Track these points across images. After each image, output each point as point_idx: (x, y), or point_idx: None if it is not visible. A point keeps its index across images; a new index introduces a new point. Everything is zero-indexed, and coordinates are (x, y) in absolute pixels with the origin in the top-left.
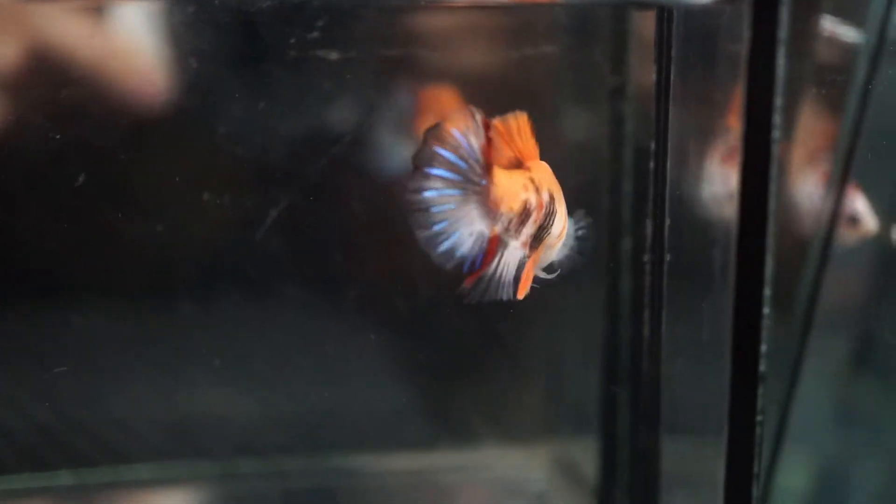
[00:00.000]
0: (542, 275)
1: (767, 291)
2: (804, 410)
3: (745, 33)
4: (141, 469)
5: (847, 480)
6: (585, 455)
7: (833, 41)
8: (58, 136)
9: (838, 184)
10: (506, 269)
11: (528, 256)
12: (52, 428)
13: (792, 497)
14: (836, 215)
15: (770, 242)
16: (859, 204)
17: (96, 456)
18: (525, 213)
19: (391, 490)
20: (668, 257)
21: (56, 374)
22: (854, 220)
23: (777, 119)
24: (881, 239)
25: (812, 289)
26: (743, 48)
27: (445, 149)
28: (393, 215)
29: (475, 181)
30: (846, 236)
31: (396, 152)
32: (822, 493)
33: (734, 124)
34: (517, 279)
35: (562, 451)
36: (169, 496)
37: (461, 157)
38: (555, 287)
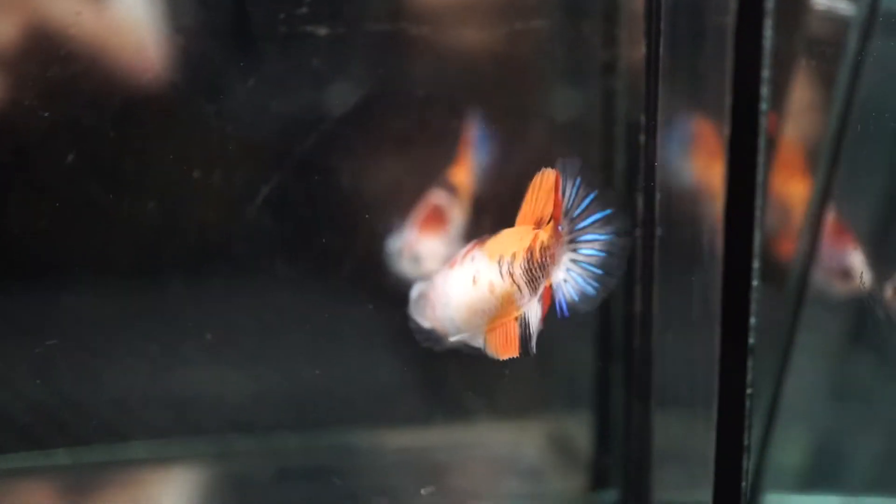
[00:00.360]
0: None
1: (756, 264)
2: (798, 385)
3: (732, 4)
4: (136, 447)
5: (842, 455)
6: (578, 430)
7: (822, 13)
8: (47, 114)
9: (829, 155)
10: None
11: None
12: (47, 407)
13: (787, 472)
14: (829, 189)
15: (759, 215)
16: (854, 259)
17: (91, 434)
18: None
19: (385, 467)
20: (658, 232)
21: (49, 352)
22: (847, 275)
23: (765, 91)
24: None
25: (805, 262)
26: (730, 19)
27: None
28: (383, 193)
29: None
30: (837, 289)
31: (387, 129)
32: (816, 468)
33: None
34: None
35: (555, 426)
36: (164, 474)
37: None
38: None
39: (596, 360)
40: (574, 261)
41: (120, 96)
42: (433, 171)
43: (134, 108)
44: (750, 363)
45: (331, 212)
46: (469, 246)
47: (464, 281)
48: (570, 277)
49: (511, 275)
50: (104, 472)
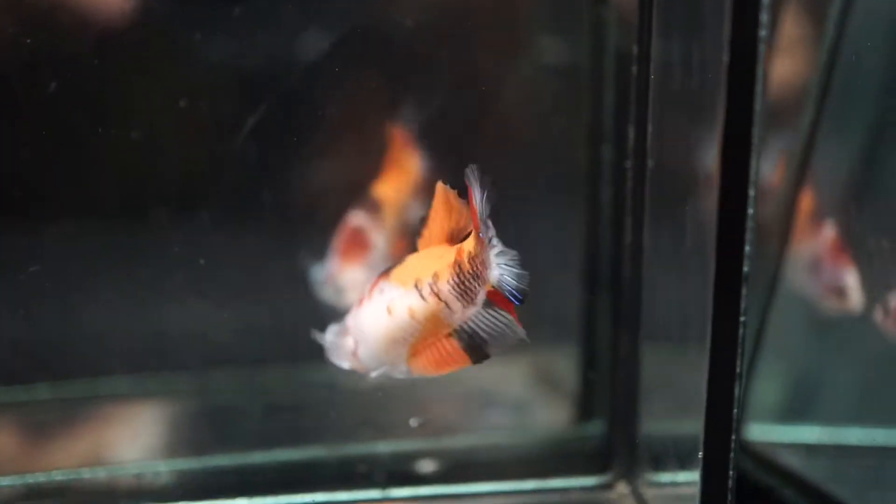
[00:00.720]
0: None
1: (752, 192)
2: (780, 322)
3: None
4: (119, 382)
5: (821, 391)
6: (564, 363)
7: None
8: (28, 41)
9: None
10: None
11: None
12: (28, 341)
13: (767, 408)
14: (818, 122)
15: (756, 142)
16: (850, 278)
17: (73, 369)
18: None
19: (368, 403)
20: (650, 163)
21: (31, 285)
22: (842, 293)
23: (764, 17)
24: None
25: (790, 200)
26: None
27: None
28: (370, 122)
29: None
30: (830, 306)
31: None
32: (796, 403)
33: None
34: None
35: (540, 360)
36: (147, 409)
37: None
38: (536, 196)
39: (582, 292)
40: (498, 254)
41: (103, 24)
42: None
43: (118, 37)
44: (744, 291)
45: (317, 143)
46: (373, 281)
47: (378, 314)
48: (503, 270)
49: (436, 294)
50: (87, 406)
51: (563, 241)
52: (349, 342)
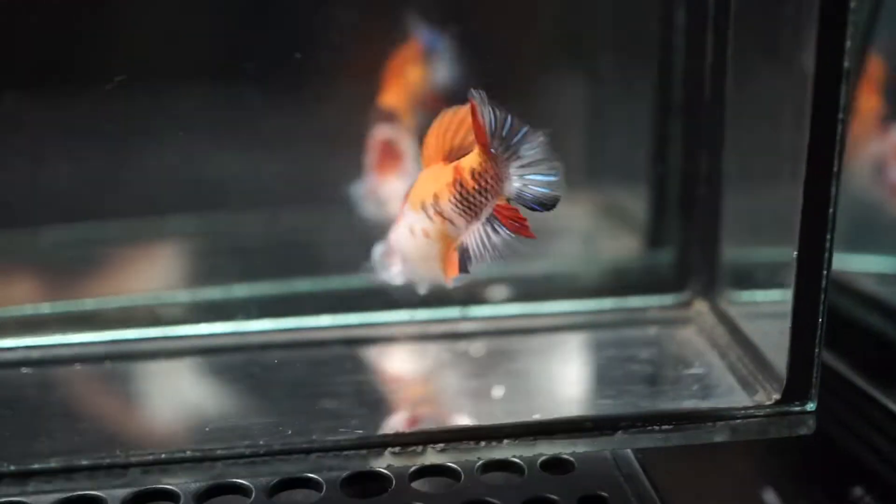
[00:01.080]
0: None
1: None
2: None
3: None
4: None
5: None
6: (635, 194)
7: None
8: None
9: None
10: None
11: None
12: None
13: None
14: None
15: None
16: None
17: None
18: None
19: None
20: None
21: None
22: None
23: None
24: None
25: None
26: None
27: None
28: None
29: None
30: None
31: None
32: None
33: None
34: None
35: (608, 196)
36: (174, 247)
37: None
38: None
39: (656, 119)
40: (523, 167)
41: None
42: None
43: None
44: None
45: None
46: (402, 201)
47: (406, 236)
48: (527, 182)
49: (440, 213)
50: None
51: (636, 68)
52: (394, 261)
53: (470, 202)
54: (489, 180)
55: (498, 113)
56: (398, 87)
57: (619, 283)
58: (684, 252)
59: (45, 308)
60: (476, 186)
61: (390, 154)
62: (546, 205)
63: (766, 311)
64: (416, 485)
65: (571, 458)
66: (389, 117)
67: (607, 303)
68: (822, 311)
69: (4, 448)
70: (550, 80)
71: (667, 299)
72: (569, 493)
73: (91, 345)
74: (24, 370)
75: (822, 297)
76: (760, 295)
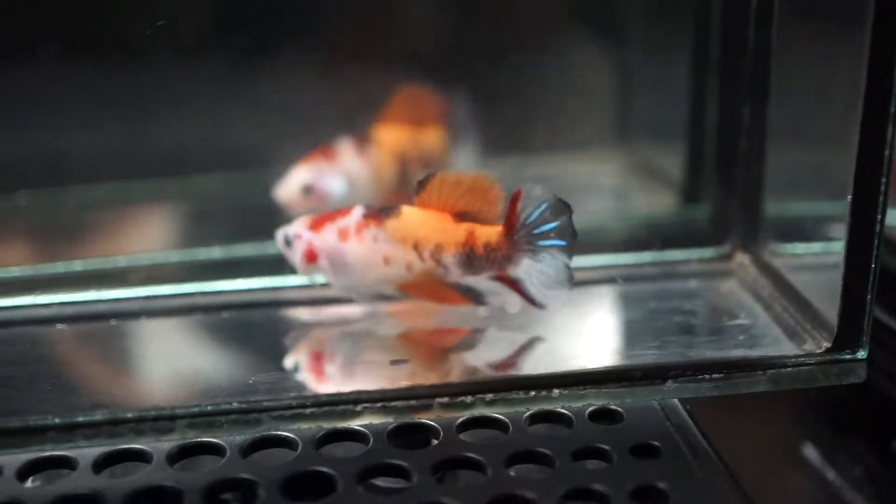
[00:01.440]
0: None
1: None
2: None
3: None
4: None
5: None
6: (672, 149)
7: None
8: None
9: None
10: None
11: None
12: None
13: None
14: None
15: None
16: None
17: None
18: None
19: None
20: None
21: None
22: None
23: None
24: None
25: None
26: None
27: None
28: None
29: None
30: None
31: None
32: None
33: None
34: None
35: (642, 154)
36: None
37: None
38: None
39: (693, 77)
40: (535, 252)
41: None
42: None
43: None
44: None
45: None
46: (357, 216)
47: (371, 259)
48: (536, 270)
49: (437, 261)
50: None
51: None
52: (326, 266)
53: (473, 265)
54: (499, 259)
55: (536, 212)
56: (399, 131)
57: (658, 237)
58: (722, 206)
59: (78, 265)
60: (484, 256)
61: (329, 157)
62: (538, 305)
63: (810, 263)
64: (463, 436)
65: (620, 409)
66: (363, 141)
67: (645, 256)
68: (875, 257)
69: (47, 402)
70: (585, 36)
71: (706, 252)
72: (619, 443)
73: (126, 301)
74: (60, 326)
75: (877, 241)
76: (802, 247)
